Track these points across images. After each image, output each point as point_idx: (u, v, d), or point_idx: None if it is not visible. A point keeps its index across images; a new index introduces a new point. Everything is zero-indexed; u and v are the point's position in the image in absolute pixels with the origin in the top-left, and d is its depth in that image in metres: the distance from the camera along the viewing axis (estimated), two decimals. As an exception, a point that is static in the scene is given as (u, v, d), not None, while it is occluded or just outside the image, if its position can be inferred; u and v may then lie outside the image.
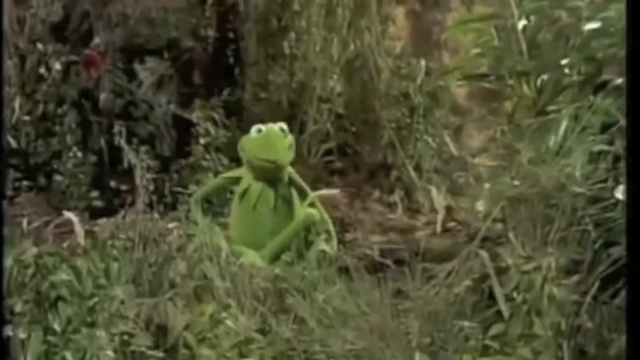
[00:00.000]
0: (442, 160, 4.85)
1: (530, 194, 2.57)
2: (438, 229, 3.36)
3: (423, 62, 5.01)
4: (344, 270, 2.90)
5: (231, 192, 3.71)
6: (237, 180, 3.54)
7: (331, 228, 3.47)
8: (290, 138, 3.45)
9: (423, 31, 5.35)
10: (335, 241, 3.45)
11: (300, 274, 2.94)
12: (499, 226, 2.71)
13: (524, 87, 2.95)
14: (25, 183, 4.40)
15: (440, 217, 3.37)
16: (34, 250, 2.52)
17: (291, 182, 3.51)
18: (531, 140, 2.72)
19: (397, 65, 5.13)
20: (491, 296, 2.50)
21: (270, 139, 3.39)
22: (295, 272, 2.98)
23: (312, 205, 3.48)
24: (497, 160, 3.06)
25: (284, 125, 3.49)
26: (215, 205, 4.00)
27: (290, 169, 3.51)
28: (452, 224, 3.63)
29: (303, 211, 3.44)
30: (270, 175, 3.41)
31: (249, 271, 2.95)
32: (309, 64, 5.09)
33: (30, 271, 2.51)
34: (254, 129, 3.43)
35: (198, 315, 2.38)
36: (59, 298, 2.48)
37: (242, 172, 3.54)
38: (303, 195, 3.52)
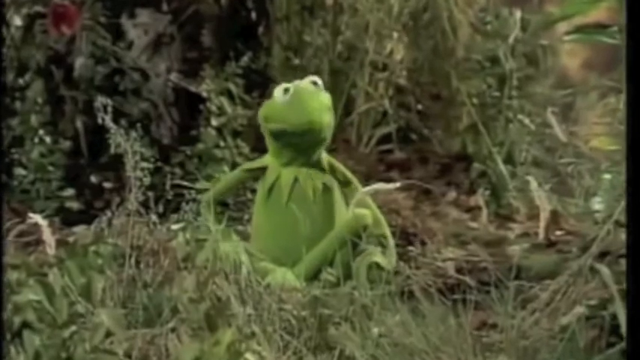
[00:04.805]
0: (544, 148, 4.85)
1: (667, 187, 2.57)
2: (541, 235, 3.37)
3: (517, 14, 5.03)
4: (407, 292, 2.93)
5: (252, 191, 3.74)
6: (260, 172, 3.58)
7: (388, 234, 3.50)
8: (327, 95, 3.49)
9: (517, -30, 5.35)
10: (394, 252, 3.47)
11: (347, 298, 2.97)
12: (624, 231, 2.71)
13: (658, 41, 2.95)
14: (-25, 179, 4.50)
15: (543, 220, 3.37)
16: (-7, 262, 2.60)
17: (332, 172, 3.54)
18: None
19: (481, 19, 5.14)
20: (614, 328, 2.52)
21: (302, 97, 3.43)
22: (341, 295, 3.01)
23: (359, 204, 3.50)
24: (621, 141, 3.07)
25: (316, 79, 3.52)
26: (232, 208, 4.05)
27: (327, 156, 3.55)
28: (558, 234, 3.64)
29: (349, 211, 3.47)
30: (305, 153, 3.45)
31: (279, 293, 2.99)
32: (360, 18, 5.14)
33: (-14, 290, 2.58)
34: (278, 90, 3.47)
35: (212, 345, 2.43)
36: (25, 325, 2.54)
37: (266, 160, 3.58)
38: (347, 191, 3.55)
